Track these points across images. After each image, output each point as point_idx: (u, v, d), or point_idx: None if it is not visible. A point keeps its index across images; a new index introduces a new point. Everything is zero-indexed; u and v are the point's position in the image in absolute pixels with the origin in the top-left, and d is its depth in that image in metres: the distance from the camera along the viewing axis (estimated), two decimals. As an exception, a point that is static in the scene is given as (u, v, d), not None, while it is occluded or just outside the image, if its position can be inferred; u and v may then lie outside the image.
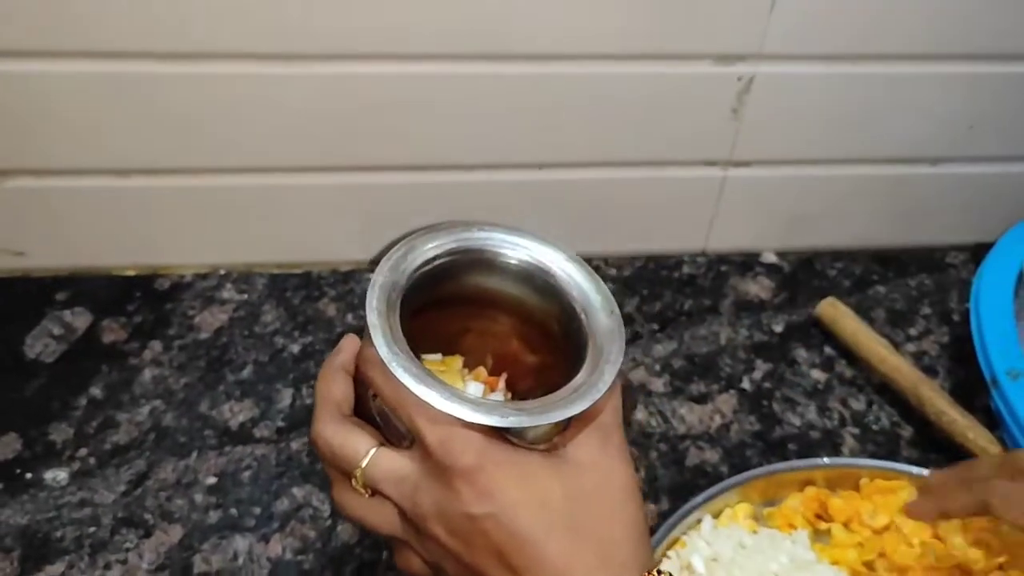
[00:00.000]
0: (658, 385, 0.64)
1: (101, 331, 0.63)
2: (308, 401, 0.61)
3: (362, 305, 0.66)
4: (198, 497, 0.55)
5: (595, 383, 0.38)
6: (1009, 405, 0.58)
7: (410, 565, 0.40)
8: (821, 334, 0.68)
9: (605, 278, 0.58)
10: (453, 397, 0.36)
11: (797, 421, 0.63)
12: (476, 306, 0.44)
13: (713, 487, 0.55)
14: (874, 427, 0.63)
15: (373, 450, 0.38)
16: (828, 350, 0.67)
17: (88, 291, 0.65)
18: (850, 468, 0.57)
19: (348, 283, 0.69)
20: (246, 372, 0.62)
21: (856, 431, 0.62)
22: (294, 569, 0.52)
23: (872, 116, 0.66)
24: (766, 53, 0.62)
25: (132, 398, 0.60)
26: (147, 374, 0.61)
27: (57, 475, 0.55)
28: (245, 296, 0.67)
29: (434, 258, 0.42)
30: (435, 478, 0.37)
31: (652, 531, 0.52)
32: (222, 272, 0.68)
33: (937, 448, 0.61)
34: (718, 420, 0.62)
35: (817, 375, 0.65)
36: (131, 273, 0.67)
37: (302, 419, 0.59)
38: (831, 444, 0.61)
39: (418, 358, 0.39)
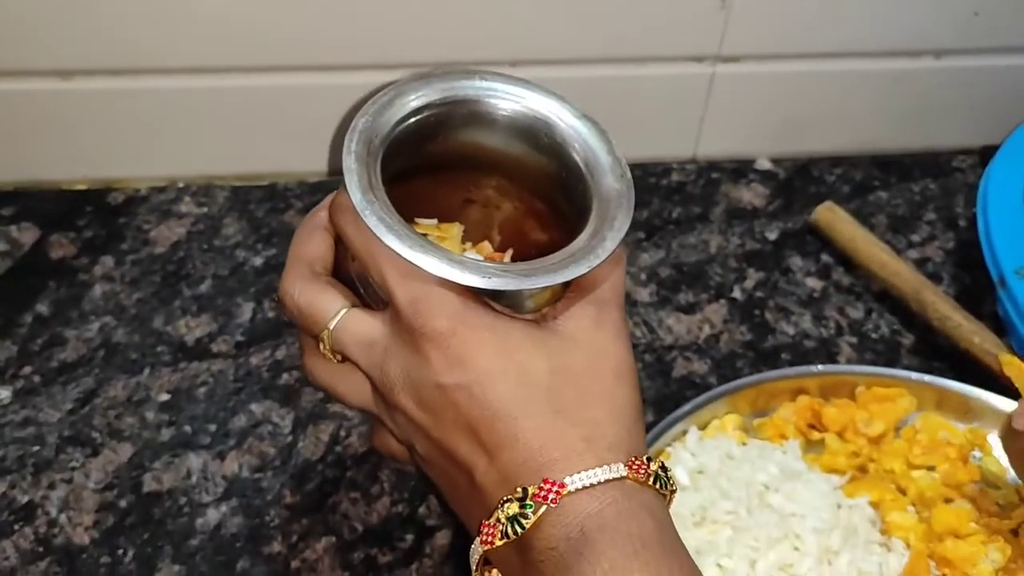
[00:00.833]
0: (644, 295, 0.60)
1: (49, 246, 0.60)
2: (270, 315, 0.57)
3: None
4: (149, 415, 0.52)
5: (594, 249, 0.34)
6: (1018, 306, 0.54)
7: (387, 445, 0.37)
8: (817, 241, 0.64)
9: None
10: (430, 251, 0.32)
11: (791, 330, 0.59)
12: (476, 171, 0.40)
13: (699, 397, 0.52)
14: (873, 335, 0.59)
15: (344, 310, 0.34)
16: (825, 257, 0.63)
17: (35, 205, 0.62)
18: (845, 375, 0.54)
19: (316, 195, 0.64)
20: (204, 286, 0.58)
21: (854, 340, 0.59)
22: (251, 487, 0.49)
23: (871, 3, 0.62)
24: (757, -69, 0.57)
25: (81, 315, 0.56)
26: (97, 290, 0.58)
27: (0, 393, 0.52)
28: (205, 209, 0.63)
29: (426, 107, 0.37)
30: (404, 342, 0.33)
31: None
32: (180, 185, 0.64)
33: (941, 355, 0.58)
34: (707, 330, 0.59)
35: (813, 283, 0.62)
36: (82, 187, 0.63)
37: (263, 333, 0.56)
38: (827, 353, 0.58)
39: (411, 223, 0.35)
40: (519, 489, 0.31)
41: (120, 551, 0.47)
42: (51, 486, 0.49)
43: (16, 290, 0.57)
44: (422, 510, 0.49)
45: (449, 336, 0.32)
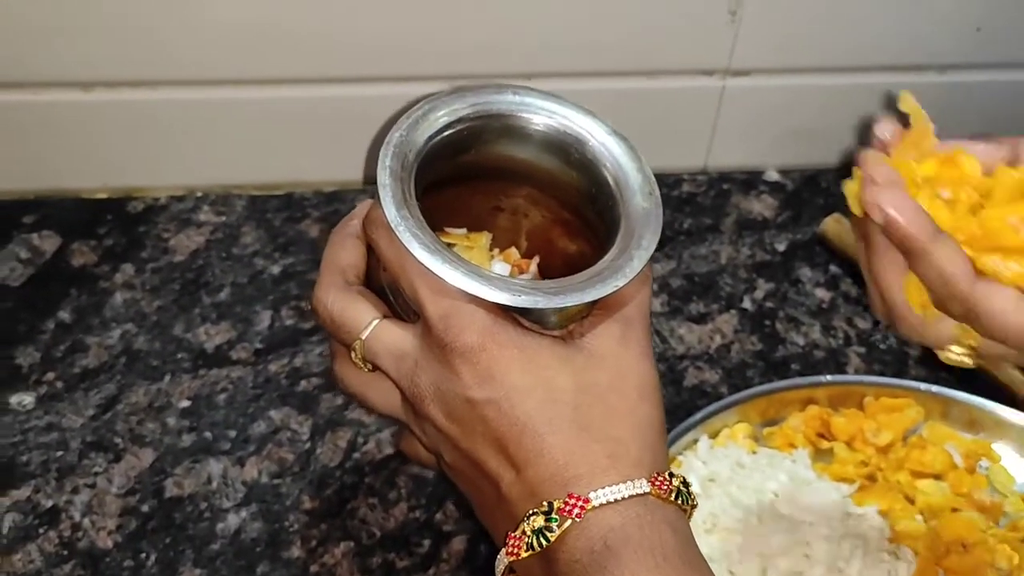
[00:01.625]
0: (656, 305, 0.61)
1: (70, 254, 0.61)
2: (288, 323, 0.58)
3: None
4: (171, 421, 0.53)
5: (621, 268, 0.35)
6: None
7: (415, 451, 0.38)
8: (826, 252, 0.65)
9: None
10: (460, 268, 0.33)
11: (800, 341, 0.60)
12: (507, 181, 0.41)
13: (710, 406, 0.53)
14: (881, 346, 0.60)
15: (375, 321, 0.35)
16: (833, 268, 0.64)
17: (56, 214, 0.63)
18: (854, 385, 0.55)
19: (333, 204, 0.65)
20: (223, 294, 0.59)
21: (862, 350, 0.59)
22: (270, 492, 0.50)
23: (878, 19, 0.63)
24: (768, -52, 0.58)
25: (102, 321, 0.57)
26: (118, 297, 0.58)
27: (23, 399, 0.53)
28: (223, 218, 0.64)
29: (459, 120, 0.38)
30: (435, 356, 0.34)
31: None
32: (199, 194, 0.65)
33: (947, 367, 0.58)
34: (718, 340, 0.60)
35: (821, 294, 0.63)
36: (102, 196, 0.64)
37: (281, 341, 0.57)
38: (836, 364, 0.59)
39: (440, 231, 0.36)
40: (545, 503, 0.32)
41: (143, 555, 0.48)
42: (75, 491, 0.50)
43: (39, 297, 0.58)
44: (439, 516, 0.50)
45: (479, 351, 0.33)
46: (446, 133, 0.38)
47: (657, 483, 0.32)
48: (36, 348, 0.55)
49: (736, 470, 0.51)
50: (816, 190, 0.69)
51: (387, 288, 0.37)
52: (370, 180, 0.62)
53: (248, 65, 0.59)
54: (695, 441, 0.52)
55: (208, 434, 0.52)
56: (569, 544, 0.31)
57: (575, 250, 0.42)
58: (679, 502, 0.33)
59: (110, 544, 0.48)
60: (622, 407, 0.34)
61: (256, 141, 0.63)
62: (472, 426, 0.33)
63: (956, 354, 0.38)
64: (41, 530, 0.48)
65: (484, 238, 0.41)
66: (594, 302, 0.35)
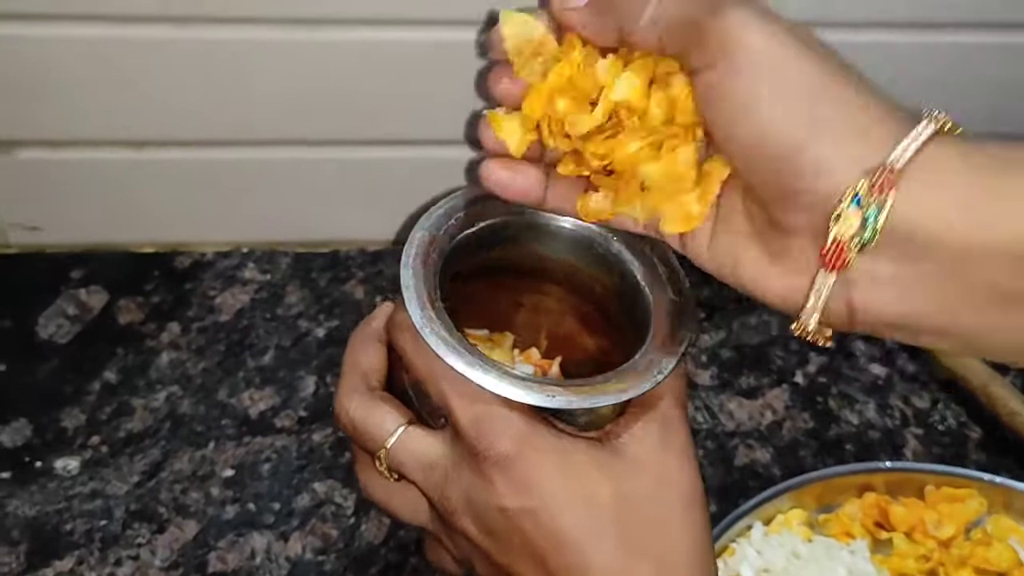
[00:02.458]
0: (704, 378, 0.60)
1: (117, 311, 0.60)
2: (332, 390, 0.57)
3: (391, 288, 0.63)
4: (214, 490, 0.52)
5: (657, 363, 0.34)
6: (1092, 408, 0.53)
7: (441, 561, 0.36)
8: (881, 325, 0.63)
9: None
10: (491, 371, 0.32)
11: (855, 419, 0.58)
12: (529, 278, 0.40)
13: (764, 492, 0.52)
14: (939, 427, 0.58)
15: (401, 428, 0.34)
16: (889, 343, 0.62)
17: (104, 269, 0.62)
18: (913, 472, 0.53)
19: (377, 264, 0.65)
20: (267, 357, 0.59)
21: (919, 431, 0.58)
22: (314, 570, 0.49)
23: (932, 89, 0.61)
24: (815, 20, 0.57)
25: (148, 383, 0.57)
26: (164, 358, 0.58)
27: (68, 464, 0.53)
28: (268, 276, 0.64)
29: (482, 217, 0.37)
30: (466, 465, 0.32)
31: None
32: (244, 251, 0.65)
33: (1008, 450, 0.57)
34: (769, 416, 0.58)
35: (877, 370, 0.61)
36: (149, 250, 0.64)
37: (326, 409, 0.56)
38: (892, 445, 0.57)
39: (461, 332, 0.35)
40: None
41: (184, 633, 0.47)
42: (118, 563, 0.49)
43: (85, 356, 0.58)
44: (484, 600, 0.49)
45: (514, 459, 0.32)
46: (468, 231, 0.37)
47: None
48: (82, 410, 0.55)
49: (792, 560, 0.49)
50: (870, 259, 0.68)
51: (411, 392, 0.36)
52: (400, 242, 0.61)
53: (294, 126, 0.59)
54: (748, 528, 0.51)
55: (252, 506, 0.52)
56: None
57: (596, 347, 0.41)
58: None
59: (152, 620, 0.47)
60: (667, 517, 0.33)
61: (301, 199, 0.63)
62: (508, 538, 0.32)
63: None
64: (83, 603, 0.48)
65: (508, 339, 0.40)
66: (628, 400, 0.34)
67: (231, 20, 0.53)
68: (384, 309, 0.38)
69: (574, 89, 0.32)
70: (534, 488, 0.31)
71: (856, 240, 0.28)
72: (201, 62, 0.55)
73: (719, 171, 0.31)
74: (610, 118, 0.32)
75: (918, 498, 0.52)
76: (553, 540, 0.31)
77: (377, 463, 0.35)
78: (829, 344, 0.32)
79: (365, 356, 0.36)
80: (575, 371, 0.40)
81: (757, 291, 0.32)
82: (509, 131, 0.33)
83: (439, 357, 0.32)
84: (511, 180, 0.34)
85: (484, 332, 0.41)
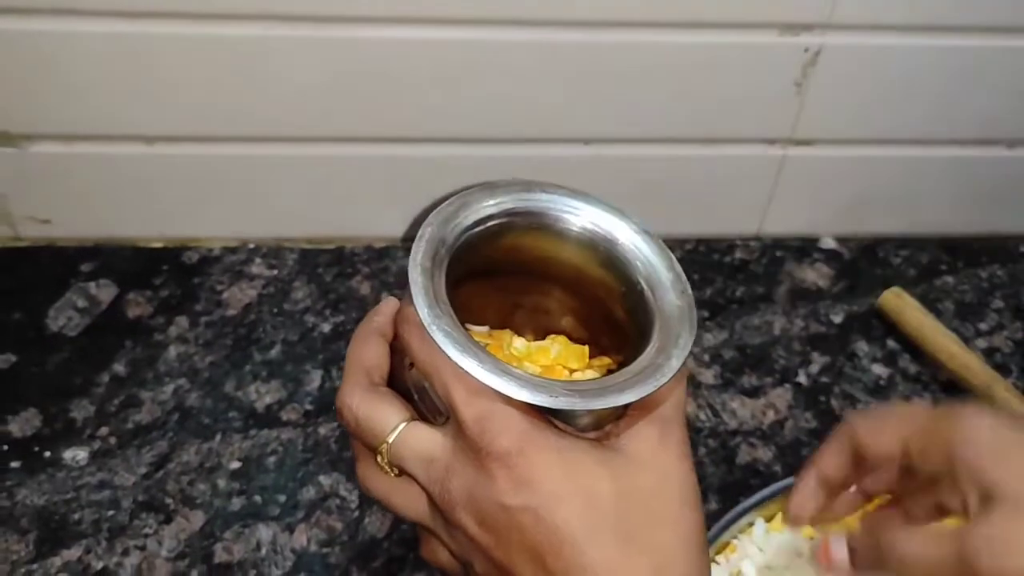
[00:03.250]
0: (708, 377, 0.60)
1: (126, 305, 0.61)
2: (338, 384, 0.58)
3: (397, 284, 0.64)
4: (221, 482, 0.53)
5: (660, 367, 0.34)
6: (1093, 410, 0.53)
7: (436, 557, 0.36)
8: (884, 326, 0.63)
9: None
10: (497, 369, 0.32)
11: (856, 419, 0.59)
12: (530, 278, 0.40)
13: (766, 489, 0.52)
14: (940, 428, 0.58)
15: (402, 424, 0.34)
16: (891, 344, 0.63)
17: (114, 262, 0.63)
18: (915, 472, 0.53)
19: (383, 260, 0.65)
20: (274, 352, 0.59)
21: None
22: (319, 562, 0.50)
23: (946, 93, 0.62)
24: (836, 22, 0.57)
25: (156, 376, 0.57)
26: (172, 351, 0.59)
27: (77, 454, 0.53)
28: (275, 272, 0.64)
29: (489, 217, 0.37)
30: (468, 460, 0.33)
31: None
32: (251, 246, 0.65)
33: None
34: (771, 415, 0.58)
35: (879, 370, 0.61)
36: (158, 245, 0.65)
37: (331, 403, 0.57)
38: None
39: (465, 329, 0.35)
40: None
41: (190, 622, 0.47)
42: (125, 552, 0.50)
43: (94, 348, 0.58)
44: (487, 594, 0.49)
45: (516, 456, 0.32)
46: (475, 230, 0.37)
47: None
48: (91, 401, 0.56)
49: (794, 558, 0.50)
50: (874, 260, 0.68)
51: (412, 388, 0.36)
52: (408, 240, 0.62)
53: (303, 123, 0.60)
54: (750, 525, 0.51)
55: (258, 498, 0.52)
56: None
57: (594, 350, 0.41)
58: None
59: (158, 609, 0.48)
60: (665, 514, 0.33)
61: (308, 195, 0.64)
62: (507, 535, 0.32)
63: None
64: (90, 592, 0.48)
65: (507, 337, 0.41)
66: (629, 403, 0.35)
67: (243, 17, 0.54)
68: (387, 305, 0.38)
69: None
70: (535, 485, 0.32)
71: None
72: (213, 59, 0.55)
73: None
74: None
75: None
76: (552, 536, 0.32)
77: (378, 458, 0.35)
78: None
79: (368, 352, 0.37)
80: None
81: None
82: None
83: (445, 353, 0.32)
84: None
85: (485, 329, 0.41)
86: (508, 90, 0.59)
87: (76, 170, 0.60)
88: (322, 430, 0.55)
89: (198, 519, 0.51)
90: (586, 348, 0.40)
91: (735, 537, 0.51)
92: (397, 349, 0.37)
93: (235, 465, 0.54)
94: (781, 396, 0.60)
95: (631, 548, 0.32)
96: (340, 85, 0.57)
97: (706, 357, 0.61)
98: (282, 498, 0.52)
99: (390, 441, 0.34)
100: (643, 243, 0.38)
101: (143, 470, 0.53)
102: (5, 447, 0.53)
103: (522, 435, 0.32)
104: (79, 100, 0.57)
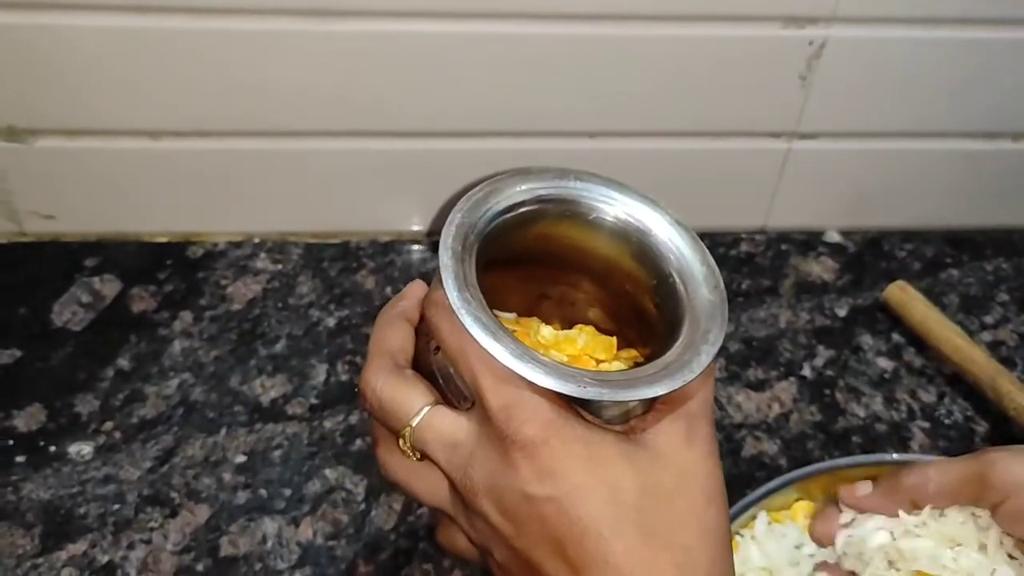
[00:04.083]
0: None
1: (130, 300, 0.61)
2: (343, 378, 0.58)
3: (404, 279, 0.64)
4: (226, 476, 0.53)
5: (688, 362, 0.33)
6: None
7: (454, 543, 0.36)
8: (888, 319, 0.63)
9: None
10: (526, 356, 0.32)
11: (862, 412, 0.58)
12: (558, 268, 0.40)
13: (770, 482, 0.51)
14: (946, 421, 0.58)
15: (427, 408, 0.34)
16: (896, 337, 0.62)
17: (118, 257, 0.63)
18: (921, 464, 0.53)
19: (388, 255, 0.65)
20: (279, 346, 0.59)
21: (926, 425, 0.58)
22: (325, 555, 0.50)
23: (951, 86, 0.61)
24: (841, 15, 0.57)
25: (161, 370, 0.57)
26: (177, 346, 0.59)
27: (82, 449, 0.53)
28: (280, 266, 0.64)
29: (520, 204, 0.37)
30: (492, 448, 0.32)
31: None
32: (256, 240, 0.65)
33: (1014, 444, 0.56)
34: (776, 409, 0.58)
35: (884, 363, 0.61)
36: (163, 240, 0.65)
37: (336, 397, 0.57)
38: (898, 438, 0.57)
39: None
40: None
41: (196, 615, 0.47)
42: (130, 546, 0.50)
43: (99, 343, 0.58)
44: (493, 587, 0.49)
45: (541, 445, 0.32)
46: (506, 216, 0.37)
47: None
48: (95, 396, 0.56)
49: (793, 553, 0.49)
50: (879, 254, 0.68)
51: (438, 373, 0.36)
52: (435, 232, 0.62)
53: (308, 117, 0.59)
54: (753, 518, 0.51)
55: (263, 491, 0.52)
56: None
57: (622, 343, 0.40)
58: None
59: (164, 603, 0.48)
60: (689, 511, 0.33)
61: (313, 190, 0.64)
62: (529, 524, 0.32)
63: None
64: (97, 585, 0.48)
65: (535, 324, 0.40)
66: (657, 396, 0.34)
67: (248, 11, 0.54)
68: (414, 289, 0.38)
69: None
70: (559, 476, 0.31)
71: None
72: (218, 53, 0.55)
73: None
74: None
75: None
76: (575, 528, 0.31)
77: (401, 442, 0.35)
78: None
79: (393, 335, 0.36)
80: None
81: None
82: None
83: (474, 338, 0.32)
84: None
85: (512, 316, 0.40)
86: (512, 84, 0.58)
87: (80, 165, 0.60)
88: (327, 424, 0.55)
89: (203, 513, 0.51)
90: (614, 340, 0.39)
91: (738, 532, 0.50)
92: (422, 333, 0.37)
93: (240, 459, 0.54)
94: (786, 389, 0.59)
95: (654, 544, 0.31)
96: (345, 79, 0.57)
97: (711, 351, 0.61)
98: (288, 491, 0.52)
99: (414, 424, 0.34)
100: (677, 235, 0.38)
101: (148, 464, 0.53)
102: (10, 442, 0.53)
103: (548, 425, 0.32)
104: (84, 95, 0.57)
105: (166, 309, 0.61)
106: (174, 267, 0.63)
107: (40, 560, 0.49)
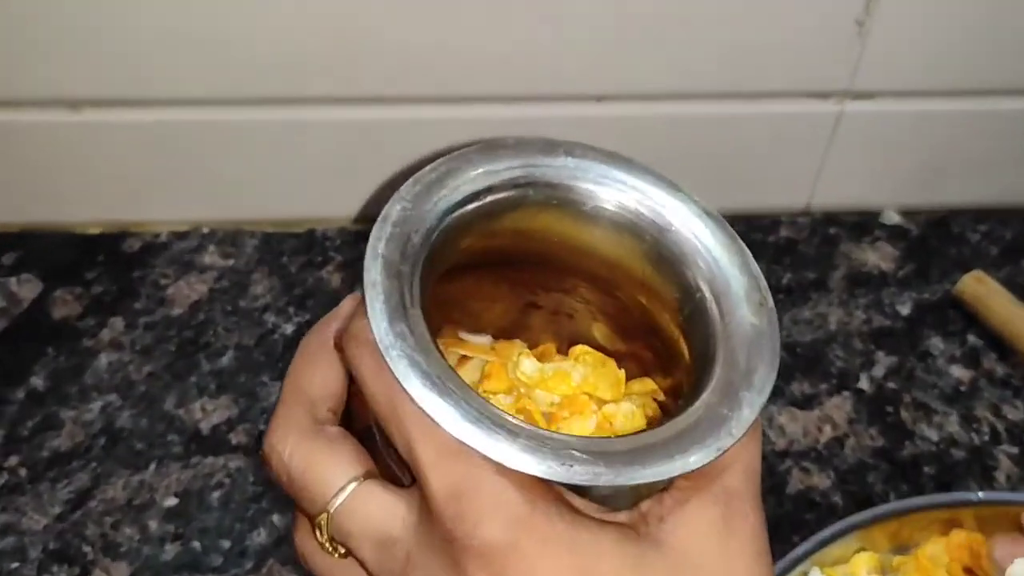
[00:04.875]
0: (749, 383, 0.50)
1: (51, 303, 0.52)
2: (300, 397, 0.48)
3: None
4: (152, 524, 0.43)
5: (725, 419, 0.24)
6: None
7: None
8: (963, 318, 0.53)
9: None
10: (484, 419, 0.23)
11: (934, 435, 0.49)
12: (552, 271, 0.31)
13: (824, 530, 0.42)
14: (1038, 445, 0.48)
15: (352, 485, 0.25)
16: (972, 339, 0.53)
17: (40, 253, 0.54)
18: (1011, 505, 0.43)
19: (359, 246, 0.55)
20: (225, 359, 0.50)
21: (1014, 450, 0.48)
22: (268, 628, 0.40)
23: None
24: (909, -57, 0.46)
25: (82, 391, 0.48)
26: (103, 360, 0.50)
27: (-22, 491, 0.44)
28: (231, 261, 0.55)
29: (488, 190, 0.27)
30: (438, 551, 0.23)
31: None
32: (205, 231, 0.56)
33: None
34: (828, 432, 0.49)
35: (959, 372, 0.51)
36: (95, 231, 0.55)
37: (290, 422, 0.47)
38: (981, 466, 0.48)
39: (452, 338, 0.27)
40: None
41: None
42: (29, 617, 0.41)
43: (9, 357, 0.49)
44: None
45: (507, 552, 0.22)
46: (469, 207, 0.27)
47: None
48: (0, 424, 0.47)
49: (863, 621, 0.40)
50: (948, 238, 0.58)
51: (374, 425, 0.26)
52: (364, 220, 0.51)
53: (261, 82, 0.50)
54: (805, 574, 0.41)
55: (196, 544, 0.43)
56: None
57: (635, 365, 0.31)
58: None
59: None
60: None
61: (272, 169, 0.54)
62: None
63: None
64: (-15, 667, 0.39)
65: (515, 351, 0.30)
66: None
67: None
68: (347, 306, 0.28)
69: None
70: None
71: None
72: (152, 5, 0.46)
73: None
74: None
75: (1019, 533, 0.43)
76: None
77: (317, 532, 0.25)
78: None
79: (316, 373, 0.27)
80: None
81: None
82: None
83: (406, 391, 0.23)
84: None
85: (486, 339, 0.31)
86: (503, 38, 0.49)
87: (-10, 144, 0.51)
88: (278, 457, 0.46)
89: (122, 572, 0.42)
90: (622, 374, 0.30)
91: (787, 593, 0.41)
92: None
93: (171, 502, 0.44)
94: (839, 407, 0.50)
95: None
96: (306, 34, 0.48)
97: (746, 359, 0.51)
98: (226, 544, 0.43)
99: (332, 510, 0.25)
100: (707, 232, 0.28)
101: (57, 510, 0.44)
102: None
103: (516, 522, 0.22)
104: (-20, 58, 0.47)
105: (93, 315, 0.51)
106: (106, 264, 0.54)
107: (-84, 635, 0.40)
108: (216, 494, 0.45)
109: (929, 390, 0.50)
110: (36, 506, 0.44)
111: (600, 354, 0.31)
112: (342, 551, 0.25)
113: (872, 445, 0.48)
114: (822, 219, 0.58)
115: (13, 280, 0.53)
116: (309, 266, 0.55)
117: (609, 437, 0.26)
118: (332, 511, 0.24)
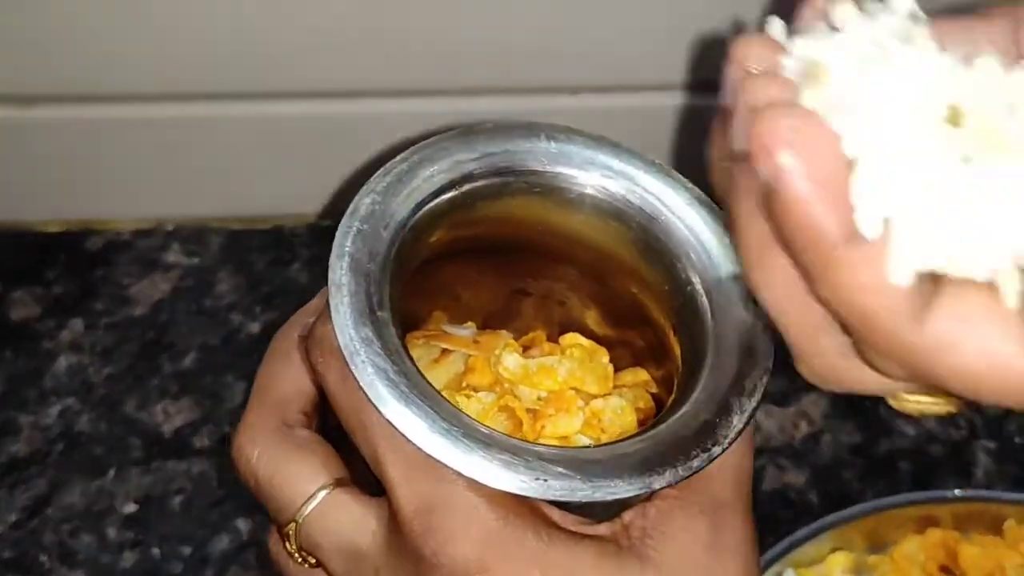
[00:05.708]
0: (723, 379, 0.49)
1: (9, 305, 0.51)
2: (265, 399, 0.47)
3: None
4: (111, 531, 0.43)
5: (714, 427, 0.24)
6: None
7: None
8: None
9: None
10: (455, 431, 0.22)
11: (911, 430, 0.48)
12: (540, 257, 0.30)
13: (799, 530, 0.42)
14: (1016, 439, 0.48)
15: (323, 493, 0.24)
16: (950, 333, 0.52)
17: (-2, 253, 0.53)
18: (990, 502, 0.43)
19: (328, 242, 0.54)
20: (189, 360, 0.49)
21: (991, 445, 0.48)
22: (230, 637, 0.40)
23: None
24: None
25: (40, 394, 0.47)
26: (62, 362, 0.49)
27: (-69, 499, 0.43)
28: (196, 259, 0.54)
29: (464, 179, 0.26)
30: (407, 569, 0.22)
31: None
32: (169, 228, 0.55)
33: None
34: (804, 428, 0.48)
35: (937, 367, 0.50)
36: (54, 230, 0.54)
37: (255, 424, 0.46)
38: (958, 462, 0.47)
39: (433, 330, 0.27)
40: None
41: None
42: (-18, 629, 0.40)
43: (-34, 361, 0.48)
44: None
45: (475, 572, 0.21)
46: (444, 198, 0.26)
47: None
48: (-45, 429, 0.46)
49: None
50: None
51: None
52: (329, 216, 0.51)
53: (225, 76, 0.49)
54: (779, 575, 0.41)
55: (156, 551, 0.42)
56: None
57: (627, 355, 0.30)
58: None
59: None
60: None
61: (238, 165, 0.53)
62: None
63: (919, 403, 0.24)
64: None
65: (499, 343, 0.29)
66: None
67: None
68: (318, 303, 0.27)
69: None
70: None
71: None
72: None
73: None
74: None
75: (995, 534, 0.42)
76: None
77: (285, 542, 0.25)
78: None
79: (286, 375, 0.26)
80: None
81: None
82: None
83: (373, 403, 0.22)
84: None
85: (469, 331, 0.30)
86: (479, 27, 0.48)
87: (-60, 141, 0.50)
88: (242, 460, 0.45)
89: (79, 581, 0.41)
90: (610, 368, 0.29)
91: (761, 595, 0.40)
92: None
93: (130, 508, 0.44)
94: (815, 402, 0.49)
95: None
96: (270, 27, 0.47)
97: (721, 354, 0.50)
98: (187, 550, 0.43)
99: (300, 519, 0.24)
100: (700, 220, 0.27)
101: (13, 517, 0.43)
102: None
103: (487, 540, 0.22)
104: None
105: (52, 316, 0.50)
106: (66, 264, 0.53)
107: None
108: (178, 499, 0.44)
109: (906, 384, 0.50)
110: (-9, 514, 0.43)
111: (589, 346, 0.30)
112: (312, 561, 0.25)
113: (848, 441, 0.48)
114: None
115: (-30, 281, 0.52)
116: (276, 263, 0.54)
117: (588, 447, 0.25)
118: (300, 520, 0.24)
